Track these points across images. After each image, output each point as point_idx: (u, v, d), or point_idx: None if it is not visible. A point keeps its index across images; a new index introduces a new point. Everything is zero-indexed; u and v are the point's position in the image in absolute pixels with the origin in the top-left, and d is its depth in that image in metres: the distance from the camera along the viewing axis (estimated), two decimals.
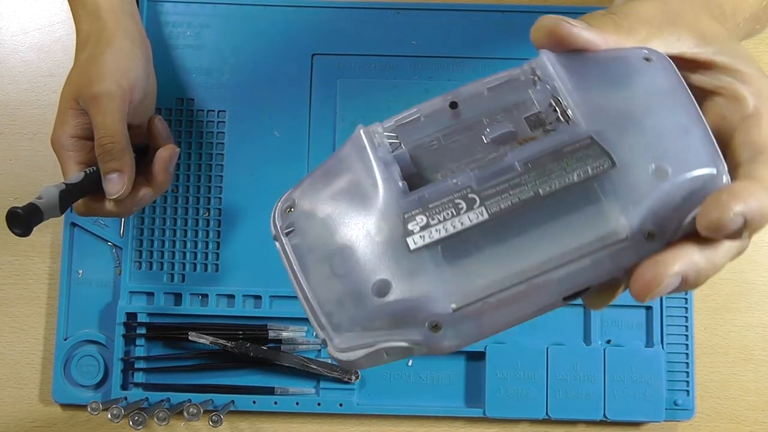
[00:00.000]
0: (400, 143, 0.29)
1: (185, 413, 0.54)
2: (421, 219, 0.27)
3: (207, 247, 0.60)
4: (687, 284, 0.27)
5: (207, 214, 0.60)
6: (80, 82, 0.48)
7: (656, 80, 0.28)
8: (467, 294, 0.26)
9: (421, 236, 0.26)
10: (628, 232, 0.26)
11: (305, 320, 0.59)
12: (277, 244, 0.29)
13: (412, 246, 0.26)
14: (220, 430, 0.59)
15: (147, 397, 0.58)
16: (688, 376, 0.59)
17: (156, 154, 0.51)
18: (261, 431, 0.60)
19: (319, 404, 0.58)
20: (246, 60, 0.61)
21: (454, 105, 0.29)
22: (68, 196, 0.46)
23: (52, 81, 0.63)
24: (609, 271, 0.27)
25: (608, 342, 0.59)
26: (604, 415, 0.57)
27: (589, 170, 0.26)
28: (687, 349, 0.59)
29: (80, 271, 0.60)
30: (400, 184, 0.27)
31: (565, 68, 0.28)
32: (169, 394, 0.58)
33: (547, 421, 0.59)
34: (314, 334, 0.28)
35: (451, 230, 0.26)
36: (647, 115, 0.27)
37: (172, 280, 0.60)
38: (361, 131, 0.29)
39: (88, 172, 0.48)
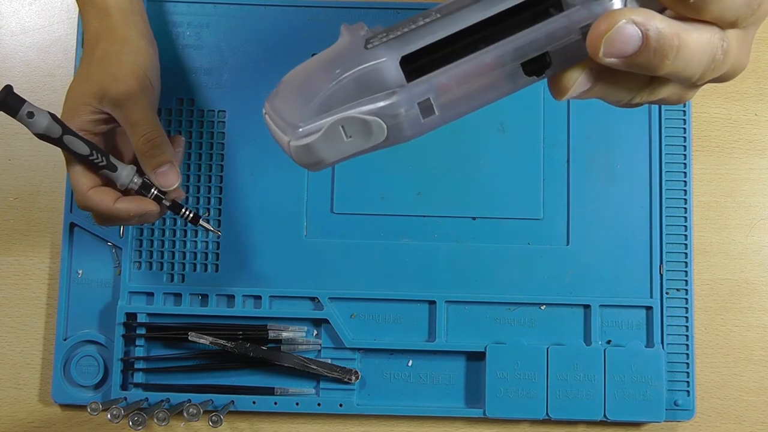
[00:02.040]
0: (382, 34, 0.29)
1: (185, 413, 0.54)
2: (382, 36, 0.29)
3: (207, 247, 0.60)
4: (649, 47, 0.26)
5: (207, 214, 0.60)
6: (103, 81, 0.48)
7: None
8: (416, 46, 0.28)
9: (378, 40, 0.28)
10: None
11: (305, 320, 0.59)
12: (266, 118, 0.30)
13: (369, 46, 0.28)
14: (220, 431, 0.59)
15: (147, 398, 0.58)
16: (688, 376, 0.59)
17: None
18: (261, 431, 0.60)
19: (319, 404, 0.58)
20: (246, 60, 0.61)
21: None
22: (62, 125, 0.47)
23: (52, 81, 0.63)
24: (564, 32, 0.27)
25: (608, 342, 0.59)
26: (604, 416, 0.57)
27: None
28: (687, 349, 0.59)
29: (80, 271, 0.60)
30: (372, 39, 0.29)
31: None
32: (168, 394, 0.58)
33: (547, 421, 0.59)
34: (281, 146, 0.29)
35: (406, 30, 0.28)
36: None
37: (172, 280, 0.60)
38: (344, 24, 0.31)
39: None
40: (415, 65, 0.28)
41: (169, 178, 0.48)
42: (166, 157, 0.48)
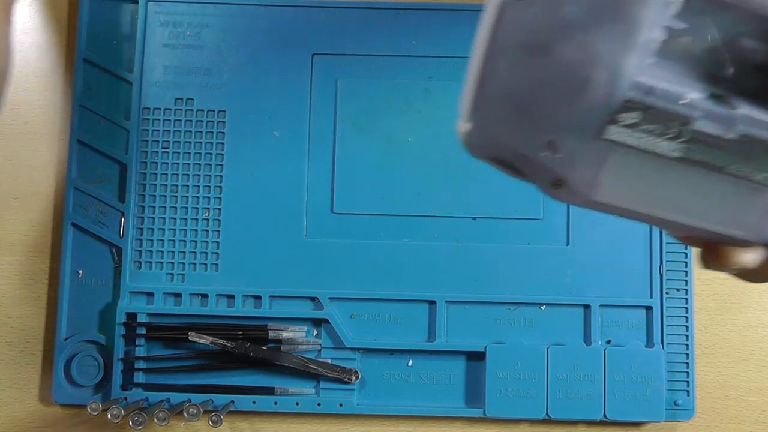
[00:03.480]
0: None
1: (185, 413, 0.54)
2: (635, 116, 0.25)
3: (207, 247, 0.60)
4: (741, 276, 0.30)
5: (207, 214, 0.60)
6: None
7: None
8: (614, 195, 0.27)
9: (619, 133, 0.25)
10: (745, 233, 0.28)
11: (305, 320, 0.59)
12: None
13: (606, 134, 0.25)
14: (220, 431, 0.59)
15: (147, 398, 0.58)
16: (688, 376, 0.59)
17: None
18: (261, 431, 0.60)
19: (319, 404, 0.58)
20: (246, 60, 0.61)
21: None
22: None
23: (52, 81, 0.63)
24: (710, 238, 0.29)
25: (608, 342, 0.59)
26: (604, 415, 0.57)
27: None
28: (687, 349, 0.59)
29: (80, 271, 0.60)
30: (659, 40, 0.24)
31: None
32: (169, 394, 0.58)
33: (547, 421, 0.59)
34: (461, 111, 0.27)
35: (643, 146, 0.26)
36: None
37: (172, 280, 0.60)
38: None
39: None
40: None
41: None
42: None
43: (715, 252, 0.29)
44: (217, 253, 0.60)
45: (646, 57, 0.24)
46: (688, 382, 0.59)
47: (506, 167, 0.27)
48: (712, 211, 0.28)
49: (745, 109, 0.25)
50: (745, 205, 0.27)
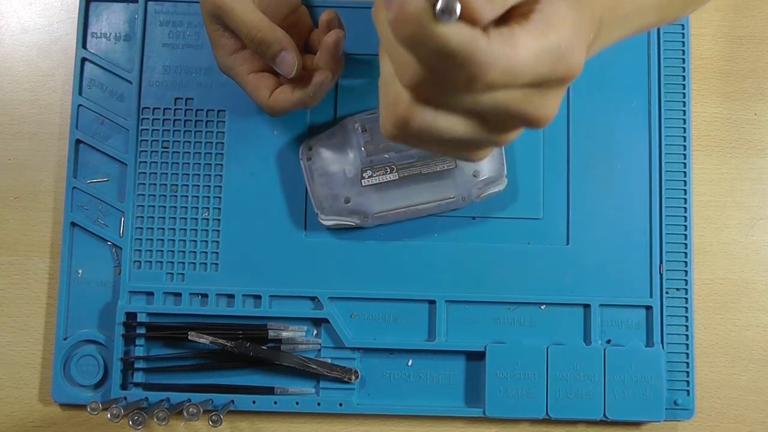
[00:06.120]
0: (366, 129, 0.57)
1: (185, 413, 0.54)
2: (369, 173, 0.57)
3: (207, 247, 0.60)
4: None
5: (207, 214, 0.60)
6: (205, 1, 0.51)
7: None
8: (383, 207, 0.57)
9: (367, 180, 0.57)
10: (455, 197, 0.57)
11: (305, 320, 0.59)
12: (302, 163, 0.58)
13: (363, 183, 0.57)
14: (220, 430, 0.59)
15: (147, 397, 0.58)
16: (688, 376, 0.59)
17: (322, 42, 0.52)
18: (261, 431, 0.60)
19: (318, 404, 0.58)
20: None
21: None
22: None
23: (52, 81, 0.63)
24: (445, 210, 0.59)
25: (608, 342, 0.59)
26: (604, 415, 0.57)
27: (445, 166, 0.57)
28: (687, 349, 0.59)
29: (80, 271, 0.60)
30: (363, 150, 0.57)
31: None
32: (168, 394, 0.58)
33: (547, 421, 0.59)
34: (315, 211, 0.58)
35: (381, 180, 0.57)
36: None
37: (172, 279, 0.60)
38: (352, 120, 0.58)
39: None
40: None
41: (285, 65, 0.50)
42: (275, 48, 0.50)
43: None
44: (217, 253, 0.60)
45: (363, 158, 0.57)
46: (688, 381, 0.59)
47: (345, 219, 0.58)
48: (435, 193, 0.57)
49: (390, 155, 0.57)
50: (447, 184, 0.57)
